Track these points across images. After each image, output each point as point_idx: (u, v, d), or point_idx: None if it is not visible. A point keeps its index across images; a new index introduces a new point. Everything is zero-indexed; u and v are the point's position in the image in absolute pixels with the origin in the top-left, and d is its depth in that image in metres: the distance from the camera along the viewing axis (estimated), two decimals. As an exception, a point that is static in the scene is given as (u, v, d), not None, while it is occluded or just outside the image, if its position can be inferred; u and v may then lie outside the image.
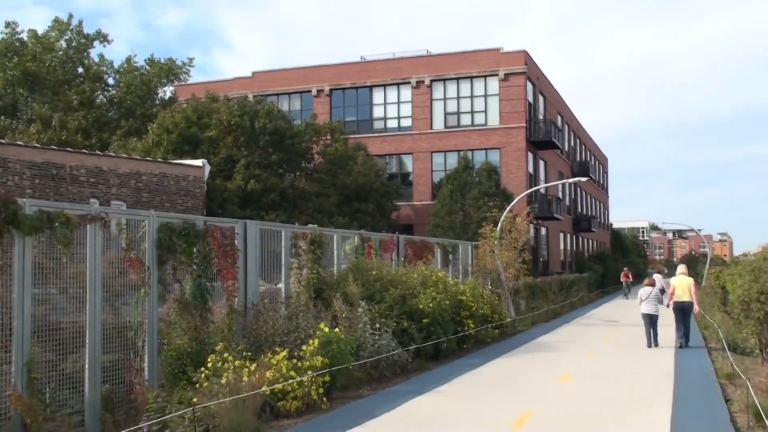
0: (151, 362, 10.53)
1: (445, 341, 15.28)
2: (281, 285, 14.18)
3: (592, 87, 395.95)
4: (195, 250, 11.41)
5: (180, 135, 30.37)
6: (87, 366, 9.31)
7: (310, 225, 15.48)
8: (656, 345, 18.19)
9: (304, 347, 10.64)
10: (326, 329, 10.91)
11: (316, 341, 10.61)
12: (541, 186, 37.89)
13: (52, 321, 9.11)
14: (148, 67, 53.36)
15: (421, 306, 14.75)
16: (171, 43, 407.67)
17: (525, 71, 42.26)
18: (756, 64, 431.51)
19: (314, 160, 34.84)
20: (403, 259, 19.70)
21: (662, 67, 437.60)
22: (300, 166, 33.79)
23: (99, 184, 23.11)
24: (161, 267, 10.78)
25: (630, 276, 45.34)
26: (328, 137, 35.67)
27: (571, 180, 29.15)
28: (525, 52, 42.74)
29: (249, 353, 11.07)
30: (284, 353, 10.38)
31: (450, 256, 23.74)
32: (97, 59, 48.90)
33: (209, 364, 9.93)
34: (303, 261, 14.82)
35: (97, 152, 26.02)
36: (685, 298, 18.18)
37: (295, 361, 10.35)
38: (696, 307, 18.56)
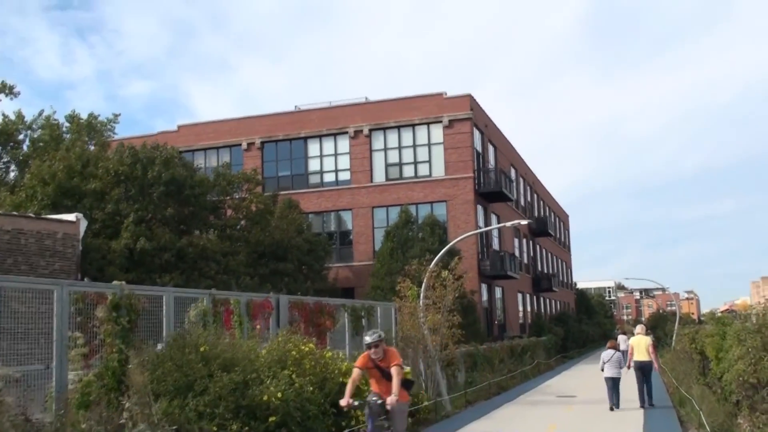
0: None
1: (305, 448, 10.60)
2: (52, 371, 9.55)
3: (551, 148, 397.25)
4: None
5: (59, 187, 25.74)
6: None
7: (115, 282, 10.95)
8: (617, 407, 17.72)
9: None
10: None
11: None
12: (476, 231, 33.58)
13: None
14: (68, 124, 49.13)
15: (265, 397, 10.09)
16: (136, 113, 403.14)
17: (471, 117, 38.65)
18: (716, 122, 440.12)
19: (226, 215, 30.27)
20: (286, 327, 15.07)
21: (623, 126, 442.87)
22: (209, 222, 29.22)
23: None
24: None
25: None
26: (245, 190, 31.28)
27: (510, 223, 24.93)
28: (470, 96, 39.27)
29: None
30: None
31: (363, 321, 19.14)
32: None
33: None
34: (100, 335, 10.26)
35: None
36: (644, 358, 18.31)
37: None
38: (656, 366, 18.83)
